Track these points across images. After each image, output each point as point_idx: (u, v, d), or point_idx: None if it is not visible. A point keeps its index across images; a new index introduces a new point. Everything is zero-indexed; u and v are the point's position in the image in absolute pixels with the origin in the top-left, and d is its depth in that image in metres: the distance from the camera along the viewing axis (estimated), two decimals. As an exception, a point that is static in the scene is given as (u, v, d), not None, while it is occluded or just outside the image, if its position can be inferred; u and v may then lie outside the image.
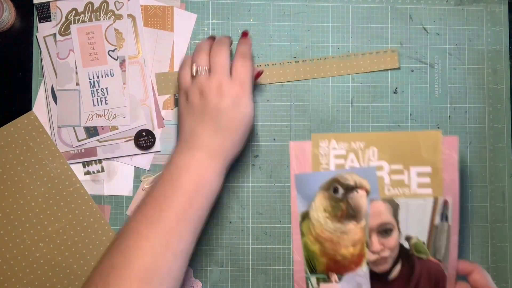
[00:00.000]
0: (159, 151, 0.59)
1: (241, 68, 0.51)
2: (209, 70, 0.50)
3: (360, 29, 0.61)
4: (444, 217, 0.53)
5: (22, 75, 0.58)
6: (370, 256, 0.53)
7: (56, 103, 0.57)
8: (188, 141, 0.49)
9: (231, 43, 0.54)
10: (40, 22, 0.58)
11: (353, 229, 0.53)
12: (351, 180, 0.53)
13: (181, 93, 0.52)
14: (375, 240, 0.53)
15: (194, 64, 0.51)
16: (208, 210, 0.48)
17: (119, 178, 0.58)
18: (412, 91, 0.61)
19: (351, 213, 0.52)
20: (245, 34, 0.55)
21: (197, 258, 0.58)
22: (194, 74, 0.51)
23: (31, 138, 0.55)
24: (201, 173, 0.47)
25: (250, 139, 0.57)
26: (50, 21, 0.58)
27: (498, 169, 0.61)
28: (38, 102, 0.58)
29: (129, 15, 0.58)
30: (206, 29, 0.60)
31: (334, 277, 0.53)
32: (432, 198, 0.53)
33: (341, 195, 0.52)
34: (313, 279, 0.54)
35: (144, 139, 0.58)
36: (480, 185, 0.61)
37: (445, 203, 0.53)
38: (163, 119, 0.59)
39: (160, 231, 0.43)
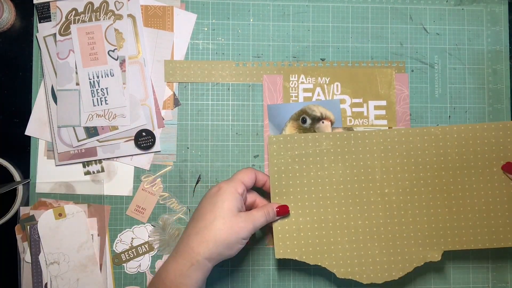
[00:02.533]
0: (159, 151, 0.59)
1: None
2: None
3: (360, 29, 0.61)
4: None
5: (22, 75, 0.58)
6: None
7: (56, 103, 0.57)
8: None
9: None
10: (40, 22, 0.58)
11: None
12: (317, 111, 0.59)
13: None
14: None
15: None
16: None
17: (119, 178, 0.58)
18: (412, 91, 0.61)
19: None
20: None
21: (197, 258, 0.58)
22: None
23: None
24: None
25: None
26: (50, 21, 0.58)
27: (498, 169, 0.61)
28: (38, 102, 0.58)
29: (129, 15, 0.58)
30: (206, 29, 0.60)
31: None
32: (387, 128, 0.59)
33: (308, 125, 0.59)
34: None
35: (144, 139, 0.58)
36: (480, 185, 0.61)
37: None
38: (163, 119, 0.59)
39: None
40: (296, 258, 0.54)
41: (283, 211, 0.53)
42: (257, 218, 0.49)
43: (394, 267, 0.54)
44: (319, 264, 0.54)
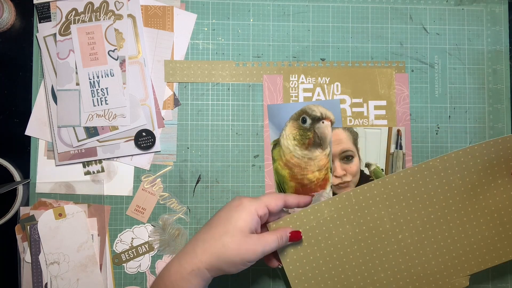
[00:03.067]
0: (159, 151, 0.59)
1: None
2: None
3: (360, 29, 0.61)
4: (399, 145, 0.60)
5: (22, 75, 0.58)
6: (334, 180, 0.59)
7: (56, 103, 0.57)
8: None
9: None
10: (40, 22, 0.58)
11: (319, 156, 0.58)
12: (317, 111, 0.59)
13: None
14: (338, 166, 0.59)
15: None
16: None
17: (119, 178, 0.58)
18: (412, 91, 0.61)
19: (317, 142, 0.59)
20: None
21: (197, 258, 0.58)
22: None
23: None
24: None
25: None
26: (50, 21, 0.58)
27: (498, 169, 0.61)
28: (38, 102, 0.58)
29: (129, 15, 0.58)
30: (206, 29, 0.60)
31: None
32: (387, 128, 0.60)
33: (308, 125, 0.58)
34: None
35: (144, 139, 0.58)
36: (480, 185, 0.61)
37: (398, 132, 0.60)
38: (163, 119, 0.59)
39: None
40: None
41: (295, 236, 0.51)
42: (269, 242, 0.47)
43: None
44: None
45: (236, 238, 0.45)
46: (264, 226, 0.52)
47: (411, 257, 0.53)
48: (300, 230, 0.51)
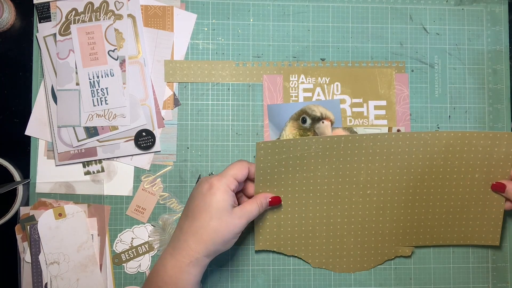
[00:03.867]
0: (159, 151, 0.59)
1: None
2: None
3: (360, 29, 0.61)
4: None
5: (22, 75, 0.58)
6: None
7: (56, 103, 0.57)
8: None
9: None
10: (40, 22, 0.58)
11: None
12: (317, 111, 0.59)
13: None
14: None
15: None
16: None
17: (119, 178, 0.58)
18: (412, 91, 0.61)
19: None
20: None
21: (197, 258, 0.58)
22: None
23: None
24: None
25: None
26: (50, 21, 0.58)
27: (498, 169, 0.61)
28: (38, 102, 0.58)
29: (129, 15, 0.58)
30: (206, 29, 0.60)
31: None
32: (387, 128, 0.60)
33: (308, 125, 0.59)
34: None
35: (144, 139, 0.58)
36: (480, 185, 0.61)
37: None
38: (163, 119, 0.59)
39: None
40: (275, 250, 0.57)
41: (275, 201, 0.54)
42: (251, 211, 0.50)
43: (366, 259, 0.58)
44: (296, 255, 0.57)
45: (223, 219, 0.47)
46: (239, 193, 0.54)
47: (370, 213, 0.56)
48: (279, 195, 0.54)
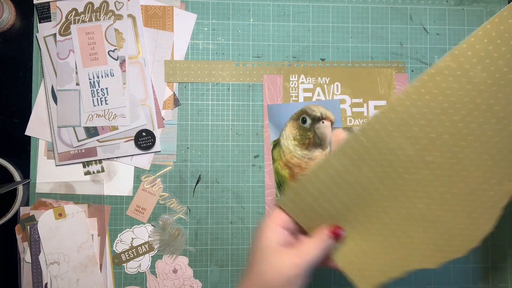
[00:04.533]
0: (159, 151, 0.59)
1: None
2: None
3: (360, 29, 0.61)
4: None
5: (22, 75, 0.58)
6: None
7: (56, 103, 0.57)
8: None
9: None
10: (40, 22, 0.58)
11: (319, 156, 0.59)
12: (317, 111, 0.58)
13: None
14: None
15: None
16: None
17: (119, 178, 0.58)
18: (412, 91, 0.61)
19: (317, 142, 0.58)
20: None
21: (197, 258, 0.58)
22: None
23: None
24: None
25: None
26: (50, 21, 0.58)
27: (498, 169, 0.61)
28: (38, 102, 0.58)
29: (129, 15, 0.58)
30: (206, 29, 0.60)
31: None
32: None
33: (308, 125, 0.58)
34: None
35: (144, 139, 0.58)
36: (480, 185, 0.61)
37: None
38: (163, 119, 0.59)
39: None
40: (384, 281, 0.45)
41: (336, 232, 0.42)
42: (309, 250, 0.39)
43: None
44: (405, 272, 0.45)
45: (269, 260, 0.39)
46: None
47: (448, 177, 0.43)
48: (340, 226, 0.43)
